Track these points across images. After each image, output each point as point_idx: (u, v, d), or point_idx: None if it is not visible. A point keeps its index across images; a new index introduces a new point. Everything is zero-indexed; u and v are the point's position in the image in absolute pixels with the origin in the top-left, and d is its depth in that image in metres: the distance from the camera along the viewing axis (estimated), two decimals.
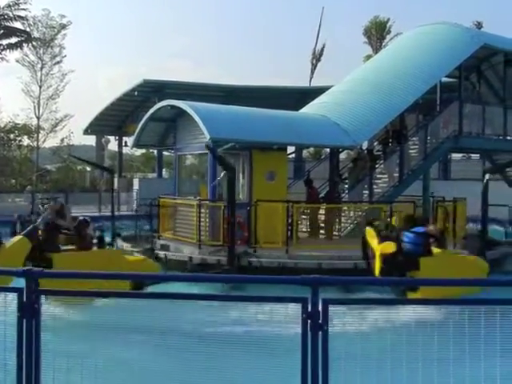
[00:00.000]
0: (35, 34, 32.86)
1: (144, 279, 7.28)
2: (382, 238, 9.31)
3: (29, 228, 10.09)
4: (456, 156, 29.58)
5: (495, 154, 21.50)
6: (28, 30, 32.50)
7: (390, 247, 9.07)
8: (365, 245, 9.85)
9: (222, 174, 11.97)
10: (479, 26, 40.71)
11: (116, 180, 28.68)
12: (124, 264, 9.44)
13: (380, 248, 9.14)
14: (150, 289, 7.03)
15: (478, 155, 27.48)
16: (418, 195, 15.74)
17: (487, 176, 13.69)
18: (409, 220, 9.76)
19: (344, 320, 3.49)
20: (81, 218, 10.26)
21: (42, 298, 3.47)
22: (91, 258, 9.25)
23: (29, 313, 3.43)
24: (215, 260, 12.25)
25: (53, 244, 9.48)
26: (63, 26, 33.57)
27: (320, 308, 3.34)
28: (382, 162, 16.83)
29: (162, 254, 13.29)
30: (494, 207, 15.74)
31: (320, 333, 3.34)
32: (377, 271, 9.10)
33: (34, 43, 32.69)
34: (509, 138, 18.36)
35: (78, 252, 9.46)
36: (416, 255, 9.02)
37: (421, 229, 9.38)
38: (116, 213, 18.17)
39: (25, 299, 3.43)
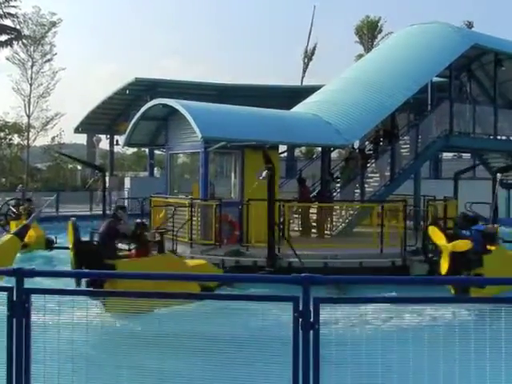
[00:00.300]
0: (25, 32, 32.68)
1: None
2: (450, 237, 9.39)
3: (20, 227, 10.05)
4: (447, 155, 29.75)
5: (485, 154, 21.67)
6: (18, 27, 32.31)
7: (463, 245, 9.13)
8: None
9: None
10: (470, 25, 40.96)
11: (107, 179, 28.56)
12: (185, 269, 9.13)
13: (452, 246, 9.12)
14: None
15: (469, 154, 27.67)
16: (410, 194, 15.85)
17: (499, 176, 13.81)
18: (467, 219, 9.92)
19: (336, 318, 3.50)
20: (138, 220, 9.87)
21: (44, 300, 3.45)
22: (152, 263, 8.89)
23: (19, 312, 3.41)
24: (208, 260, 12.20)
25: (113, 250, 9.14)
26: (54, 24, 33.41)
27: (311, 307, 3.35)
28: (373, 161, 16.90)
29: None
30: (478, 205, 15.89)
31: (311, 331, 3.35)
32: (444, 270, 9.06)
33: (24, 41, 32.50)
34: (499, 137, 18.49)
35: (139, 258, 9.13)
36: (479, 253, 9.24)
37: (480, 227, 9.71)
38: (108, 212, 18.09)
39: (15, 298, 3.42)
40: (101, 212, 20.14)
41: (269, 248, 11.53)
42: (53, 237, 14.21)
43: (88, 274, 6.92)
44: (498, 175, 13.82)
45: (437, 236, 9.52)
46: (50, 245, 14.07)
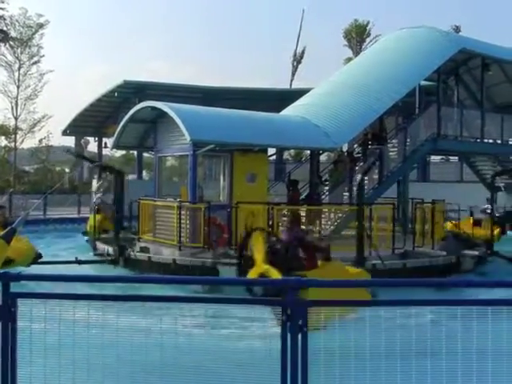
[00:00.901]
0: (12, 34, 32.48)
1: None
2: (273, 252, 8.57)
3: (6, 230, 9.94)
4: (435, 158, 29.99)
5: (473, 157, 21.87)
6: (5, 29, 32.10)
7: (276, 275, 7.80)
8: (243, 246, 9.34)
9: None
10: (457, 29, 41.37)
11: (94, 181, 28.40)
12: (349, 276, 8.67)
13: (265, 270, 8.02)
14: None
15: (457, 158, 27.91)
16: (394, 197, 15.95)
17: (498, 179, 14.01)
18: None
19: (323, 321, 3.51)
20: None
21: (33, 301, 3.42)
22: (324, 272, 8.33)
23: (5, 316, 3.38)
24: (200, 262, 12.18)
25: (300, 260, 8.58)
26: (41, 26, 33.24)
27: (299, 310, 3.36)
28: (361, 164, 16.96)
29: (142, 256, 13.26)
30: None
31: (299, 334, 3.36)
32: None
33: (11, 43, 32.30)
34: (486, 140, 18.67)
35: (318, 268, 8.55)
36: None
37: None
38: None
39: (0, 303, 3.38)
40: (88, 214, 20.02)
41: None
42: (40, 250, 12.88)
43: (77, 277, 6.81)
44: (497, 178, 13.94)
45: (257, 247, 8.57)
46: (37, 259, 12.41)
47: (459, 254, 13.34)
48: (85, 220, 20.51)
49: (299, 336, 3.36)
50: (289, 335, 3.36)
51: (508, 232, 18.10)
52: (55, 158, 38.99)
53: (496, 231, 16.03)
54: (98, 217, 16.75)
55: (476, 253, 13.81)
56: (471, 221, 16.71)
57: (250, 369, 3.49)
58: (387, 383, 3.42)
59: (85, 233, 18.19)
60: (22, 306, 3.42)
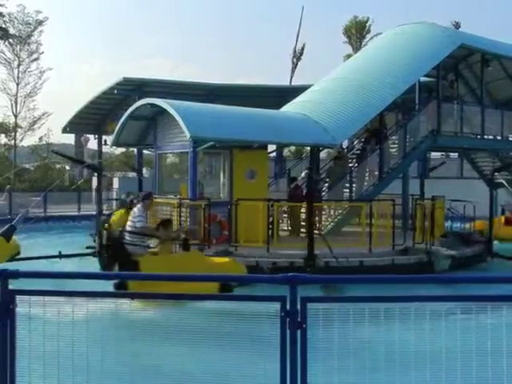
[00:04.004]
0: (11, 31, 32.41)
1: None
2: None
3: (6, 227, 9.95)
4: (435, 155, 29.95)
5: (473, 153, 21.84)
6: (4, 26, 32.04)
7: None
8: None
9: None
10: (457, 25, 41.25)
11: (95, 179, 28.39)
12: (210, 266, 9.05)
13: None
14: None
15: (457, 154, 27.88)
16: (398, 193, 15.94)
17: (498, 175, 13.92)
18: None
19: (323, 317, 3.50)
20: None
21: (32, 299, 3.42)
22: (177, 260, 8.98)
23: (3, 313, 3.37)
24: None
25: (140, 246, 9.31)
26: (40, 23, 33.17)
27: (298, 306, 3.35)
28: (362, 160, 16.94)
29: None
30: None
31: (299, 331, 3.35)
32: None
33: (10, 40, 32.24)
34: (486, 136, 18.63)
35: (164, 255, 9.14)
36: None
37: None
38: (94, 212, 18.04)
39: None
40: (90, 212, 20.08)
41: (309, 248, 11.51)
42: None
43: (75, 274, 6.81)
44: (496, 174, 13.83)
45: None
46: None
47: (432, 253, 12.79)
48: (85, 218, 20.57)
49: (298, 332, 3.35)
50: (288, 332, 3.35)
51: None
52: (55, 156, 38.94)
53: None
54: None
55: (452, 252, 13.17)
56: (502, 219, 16.50)
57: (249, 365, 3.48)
58: (386, 379, 3.42)
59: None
60: (20, 302, 3.41)
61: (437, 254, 12.87)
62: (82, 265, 12.82)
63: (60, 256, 12.94)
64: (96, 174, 15.11)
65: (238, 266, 9.71)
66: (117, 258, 8.86)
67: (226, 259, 10.10)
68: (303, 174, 11.40)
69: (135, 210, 9.51)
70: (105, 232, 9.04)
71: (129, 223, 9.41)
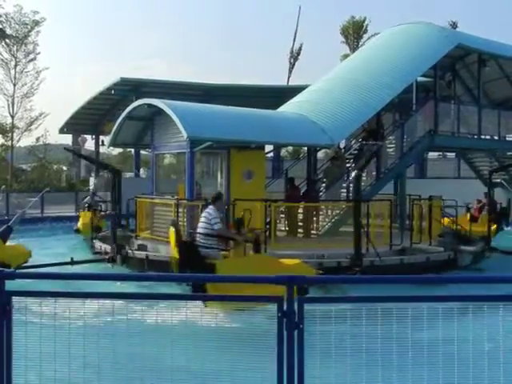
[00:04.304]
0: (8, 31, 32.34)
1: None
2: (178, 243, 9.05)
3: (3, 228, 9.93)
4: (432, 155, 30.02)
5: (470, 153, 21.88)
6: (1, 26, 31.98)
7: (175, 254, 8.86)
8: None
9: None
10: (454, 25, 41.35)
11: (92, 179, 28.38)
12: (281, 268, 8.82)
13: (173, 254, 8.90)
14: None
15: (454, 154, 27.93)
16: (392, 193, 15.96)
17: (496, 175, 14.17)
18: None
19: (320, 318, 3.50)
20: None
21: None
22: (250, 263, 8.91)
23: (0, 315, 3.36)
24: None
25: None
26: (36, 23, 33.10)
27: (295, 307, 3.35)
28: (359, 160, 16.94)
29: (139, 254, 13.21)
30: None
31: (296, 331, 3.35)
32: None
33: (7, 40, 32.17)
34: (483, 136, 18.67)
35: (238, 258, 9.17)
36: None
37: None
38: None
39: None
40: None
41: (356, 248, 11.51)
42: None
43: (70, 276, 6.79)
44: (494, 175, 13.99)
45: (171, 239, 9.18)
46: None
47: (457, 250, 13.36)
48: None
49: (295, 333, 3.35)
50: (285, 332, 3.35)
51: (505, 228, 18.10)
52: (52, 156, 38.91)
53: (493, 227, 16.03)
54: (89, 214, 16.78)
55: (473, 248, 13.83)
56: (468, 217, 16.73)
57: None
58: (383, 379, 3.42)
59: (77, 231, 18.25)
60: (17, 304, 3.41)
61: (461, 250, 13.38)
62: (100, 270, 12.53)
63: (72, 263, 12.65)
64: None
65: (307, 267, 9.55)
66: (190, 261, 8.61)
67: (296, 261, 9.87)
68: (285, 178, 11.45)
69: (209, 211, 9.29)
70: (176, 235, 8.82)
71: (203, 225, 9.17)
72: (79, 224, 18.27)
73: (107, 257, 13.22)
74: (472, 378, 3.38)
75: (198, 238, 9.12)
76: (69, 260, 12.57)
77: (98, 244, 14.78)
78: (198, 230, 9.25)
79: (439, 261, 12.90)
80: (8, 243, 10.52)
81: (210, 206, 9.50)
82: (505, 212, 18.16)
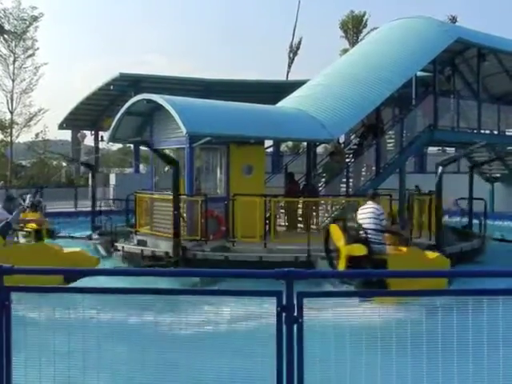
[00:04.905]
0: (6, 27, 32.24)
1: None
2: (354, 239, 9.04)
3: (1, 224, 9.91)
4: (432, 149, 29.97)
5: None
6: None
7: (358, 250, 8.80)
8: (327, 240, 9.61)
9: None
10: (453, 20, 41.27)
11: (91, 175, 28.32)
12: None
13: (347, 250, 8.84)
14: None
15: (453, 148, 27.86)
16: (394, 188, 15.92)
17: (495, 170, 14.26)
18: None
19: (319, 312, 3.50)
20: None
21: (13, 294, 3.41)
22: (406, 258, 8.99)
23: None
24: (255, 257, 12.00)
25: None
26: (35, 18, 32.99)
27: (295, 301, 3.35)
28: (359, 155, 16.93)
29: (139, 249, 13.24)
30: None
31: (295, 325, 3.35)
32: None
33: (5, 36, 32.07)
34: (482, 131, 18.65)
35: (406, 254, 9.20)
36: (382, 255, 8.94)
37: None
38: (97, 208, 18.01)
39: None
40: (87, 208, 20.01)
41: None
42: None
43: (69, 271, 6.79)
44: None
45: (336, 235, 9.25)
46: None
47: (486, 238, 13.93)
48: (82, 214, 20.50)
49: (295, 327, 3.35)
50: (284, 327, 3.35)
51: None
52: (51, 153, 38.79)
53: None
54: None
55: (499, 236, 14.64)
56: None
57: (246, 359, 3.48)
58: (382, 374, 3.42)
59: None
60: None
61: (488, 238, 13.96)
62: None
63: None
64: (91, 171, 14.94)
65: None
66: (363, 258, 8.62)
67: (435, 254, 9.98)
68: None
69: (375, 207, 9.37)
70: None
71: (372, 221, 9.17)
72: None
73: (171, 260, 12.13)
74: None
75: (368, 235, 9.09)
76: None
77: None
78: (366, 226, 9.20)
79: (471, 251, 13.61)
80: (70, 249, 10.21)
81: (369, 202, 9.56)
82: None
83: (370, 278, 5.86)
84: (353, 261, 8.76)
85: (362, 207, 9.86)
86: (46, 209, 17.98)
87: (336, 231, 9.29)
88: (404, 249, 9.42)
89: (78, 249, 10.21)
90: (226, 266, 11.31)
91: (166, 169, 11.70)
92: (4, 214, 9.34)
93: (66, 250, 9.96)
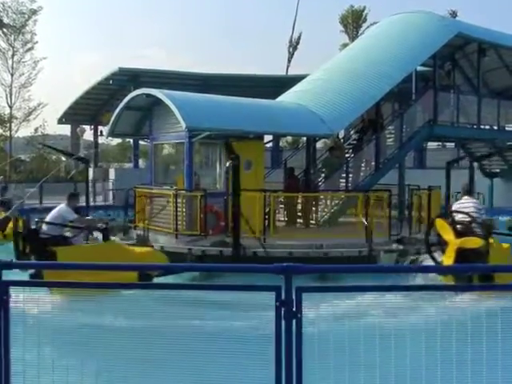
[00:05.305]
0: (5, 20, 32.14)
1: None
2: (460, 233, 9.19)
3: (0, 218, 9.93)
4: (431, 145, 29.94)
5: (469, 143, 21.84)
6: None
7: (474, 243, 8.97)
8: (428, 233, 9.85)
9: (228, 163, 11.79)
10: (454, 14, 41.17)
11: (91, 170, 28.29)
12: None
13: (461, 242, 8.99)
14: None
15: (453, 144, 27.85)
16: (394, 184, 15.93)
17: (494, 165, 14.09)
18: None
19: (318, 307, 3.50)
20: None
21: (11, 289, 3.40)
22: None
23: None
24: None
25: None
26: (34, 12, 32.88)
27: (294, 296, 3.35)
28: (358, 150, 16.91)
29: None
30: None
31: (294, 320, 3.34)
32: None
33: (4, 30, 31.98)
34: (482, 126, 18.63)
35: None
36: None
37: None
38: (91, 203, 17.99)
39: None
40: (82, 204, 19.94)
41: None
42: None
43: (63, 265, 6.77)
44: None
45: (444, 230, 9.36)
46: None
47: None
48: (81, 209, 20.41)
49: (293, 322, 3.35)
50: (283, 322, 3.35)
51: None
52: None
53: None
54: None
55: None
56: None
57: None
58: (381, 369, 3.42)
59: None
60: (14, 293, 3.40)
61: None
62: None
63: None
64: (88, 165, 14.91)
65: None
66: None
67: (148, 249, 10.15)
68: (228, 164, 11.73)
69: (475, 201, 9.66)
70: None
71: (473, 214, 9.31)
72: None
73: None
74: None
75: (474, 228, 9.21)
76: None
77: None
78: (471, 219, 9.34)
79: None
80: (142, 248, 10.32)
81: (466, 197, 9.75)
82: None
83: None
84: (462, 254, 8.85)
85: (459, 202, 10.01)
86: (23, 205, 17.06)
87: (444, 225, 9.39)
88: (491, 240, 9.51)
89: (149, 248, 10.18)
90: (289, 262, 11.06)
91: (228, 163, 11.66)
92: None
93: (138, 249, 9.97)
